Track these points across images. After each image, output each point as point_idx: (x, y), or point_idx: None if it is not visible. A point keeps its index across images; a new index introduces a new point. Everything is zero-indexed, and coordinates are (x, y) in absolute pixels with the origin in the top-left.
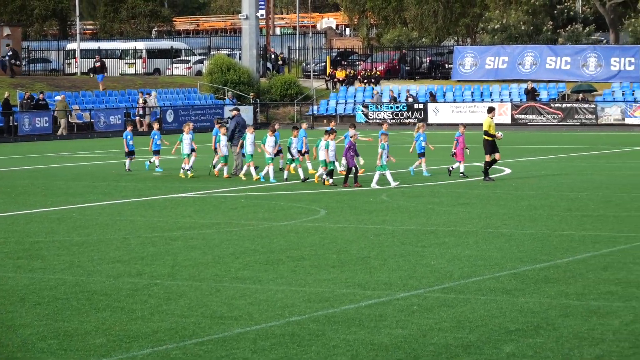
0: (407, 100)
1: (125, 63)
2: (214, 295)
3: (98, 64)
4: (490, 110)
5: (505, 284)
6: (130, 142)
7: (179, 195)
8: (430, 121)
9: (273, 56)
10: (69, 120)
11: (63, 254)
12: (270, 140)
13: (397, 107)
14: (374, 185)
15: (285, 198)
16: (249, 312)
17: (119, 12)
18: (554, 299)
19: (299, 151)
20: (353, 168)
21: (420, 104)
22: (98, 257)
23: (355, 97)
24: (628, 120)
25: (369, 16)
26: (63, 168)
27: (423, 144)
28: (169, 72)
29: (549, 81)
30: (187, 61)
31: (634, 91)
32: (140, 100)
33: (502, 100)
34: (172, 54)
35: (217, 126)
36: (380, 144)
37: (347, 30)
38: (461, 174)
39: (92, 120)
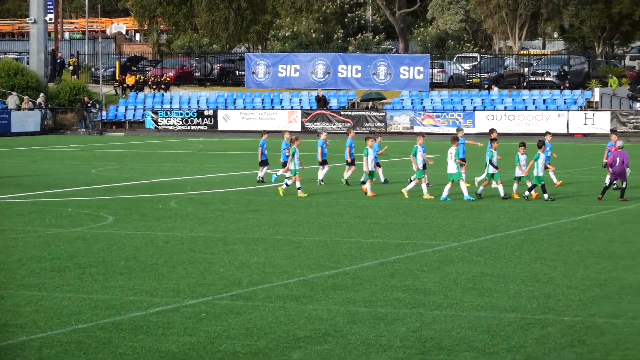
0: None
1: None
2: None
3: None
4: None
5: (294, 291)
6: None
7: None
8: (220, 128)
9: (59, 60)
10: None
11: None
12: None
13: (187, 114)
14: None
15: (72, 204)
16: (34, 319)
17: None
18: (342, 306)
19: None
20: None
21: (210, 111)
22: None
23: (145, 103)
24: (417, 129)
25: (160, 22)
26: None
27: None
28: None
29: (339, 89)
30: None
31: (422, 100)
32: None
33: (292, 108)
34: None
35: None
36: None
37: (137, 35)
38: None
39: None
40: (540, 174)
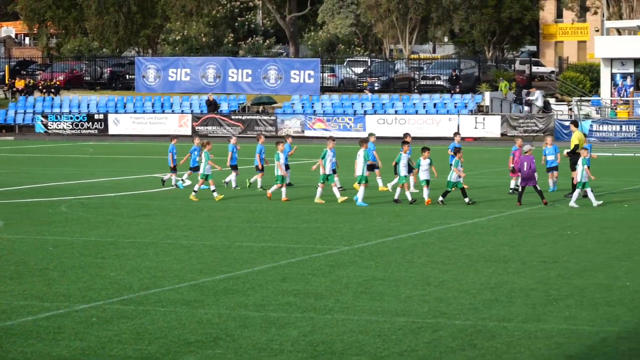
0: None
1: None
2: None
3: None
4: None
5: (185, 296)
6: None
7: None
8: (110, 132)
9: None
10: None
11: None
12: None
13: (78, 118)
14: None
15: None
16: None
17: None
18: (233, 310)
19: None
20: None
21: (100, 115)
22: None
23: (34, 107)
24: (307, 133)
25: (49, 26)
26: None
27: (550, 157)
28: None
29: (230, 93)
30: None
31: (313, 104)
32: None
33: (182, 112)
34: None
35: None
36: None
37: (27, 39)
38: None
39: None
40: (453, 179)
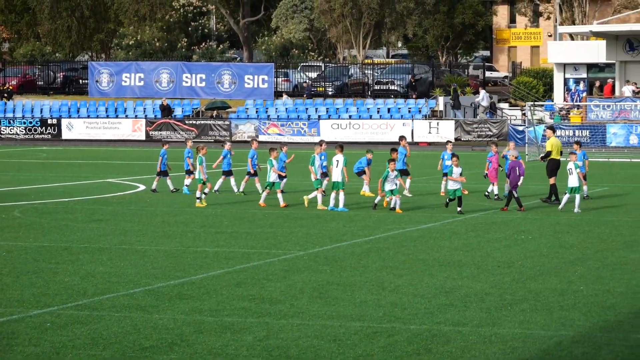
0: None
1: None
2: None
3: None
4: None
5: (140, 301)
6: None
7: None
8: (64, 137)
9: None
10: None
11: None
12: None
13: (31, 123)
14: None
15: None
16: None
17: None
18: (188, 315)
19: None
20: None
21: (54, 120)
22: None
23: None
24: (262, 137)
25: (1, 30)
26: None
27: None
28: None
29: (184, 98)
30: None
31: (267, 109)
32: None
33: (136, 117)
34: None
35: None
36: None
37: None
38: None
39: None
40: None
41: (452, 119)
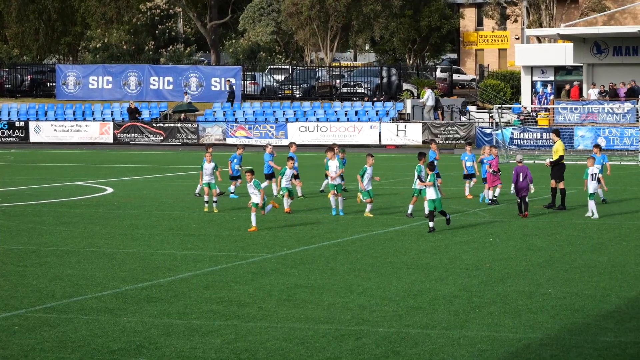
0: None
1: None
2: None
3: None
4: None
5: (108, 304)
6: None
7: None
8: (32, 140)
9: None
10: None
11: None
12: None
13: None
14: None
15: None
16: None
17: None
18: (156, 318)
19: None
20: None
21: (21, 122)
22: None
23: None
24: (229, 140)
25: None
26: None
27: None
28: None
29: (151, 101)
30: None
31: (235, 111)
32: None
33: (104, 119)
34: None
35: None
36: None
37: None
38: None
39: None
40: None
41: (419, 122)
